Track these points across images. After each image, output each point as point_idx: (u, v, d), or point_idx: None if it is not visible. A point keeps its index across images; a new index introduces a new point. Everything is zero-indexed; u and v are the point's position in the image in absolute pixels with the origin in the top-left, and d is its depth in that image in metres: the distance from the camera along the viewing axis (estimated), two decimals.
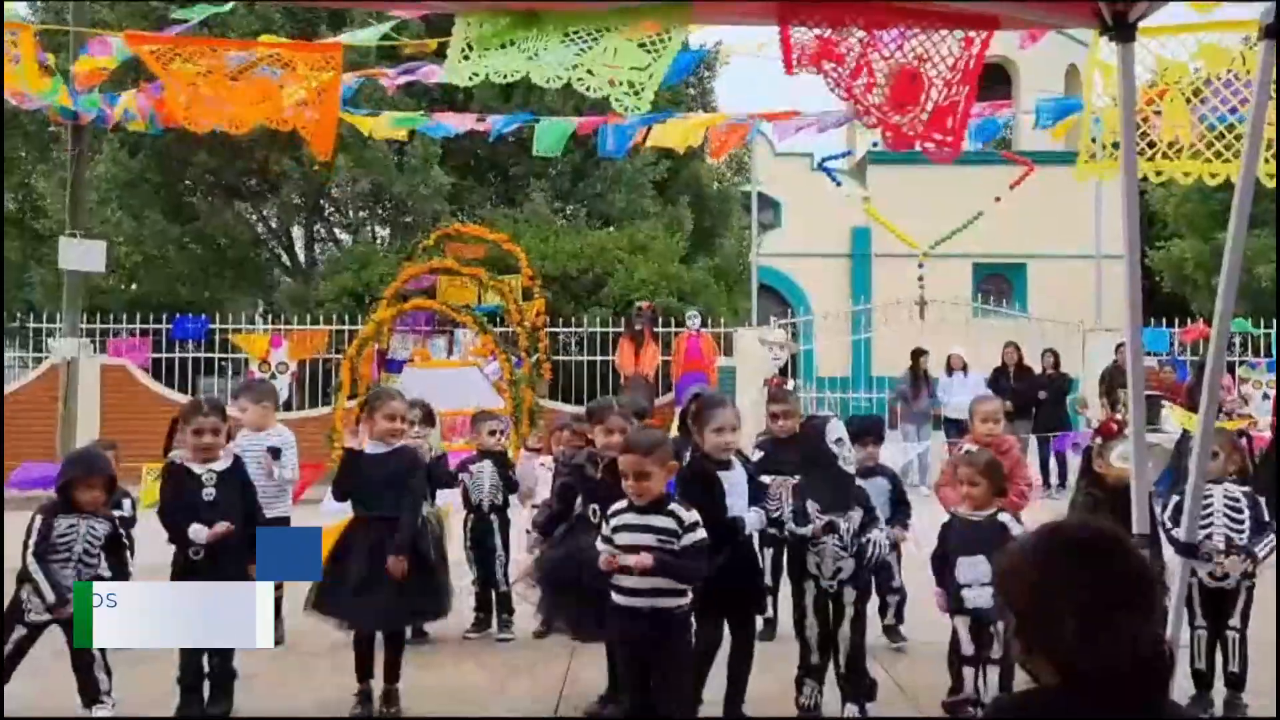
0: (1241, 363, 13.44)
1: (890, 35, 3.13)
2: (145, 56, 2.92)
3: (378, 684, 4.72)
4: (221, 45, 2.81)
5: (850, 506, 4.39)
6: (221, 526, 4.46)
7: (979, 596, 4.30)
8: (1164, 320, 14.96)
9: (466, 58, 2.66)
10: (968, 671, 4.39)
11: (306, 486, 8.18)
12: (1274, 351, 14.01)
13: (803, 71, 3.18)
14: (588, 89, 2.82)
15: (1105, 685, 1.58)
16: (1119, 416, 5.20)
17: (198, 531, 4.46)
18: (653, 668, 3.75)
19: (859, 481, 4.80)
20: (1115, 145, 2.73)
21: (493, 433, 6.33)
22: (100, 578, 4.47)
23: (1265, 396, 12.31)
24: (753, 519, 4.33)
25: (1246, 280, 18.83)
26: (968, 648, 4.38)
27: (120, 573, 5.32)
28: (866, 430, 5.48)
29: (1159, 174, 2.79)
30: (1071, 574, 1.65)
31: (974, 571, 4.33)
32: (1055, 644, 1.63)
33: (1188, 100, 2.93)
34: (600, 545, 3.84)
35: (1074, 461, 12.86)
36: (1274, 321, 14.48)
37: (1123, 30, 2.67)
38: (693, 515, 3.77)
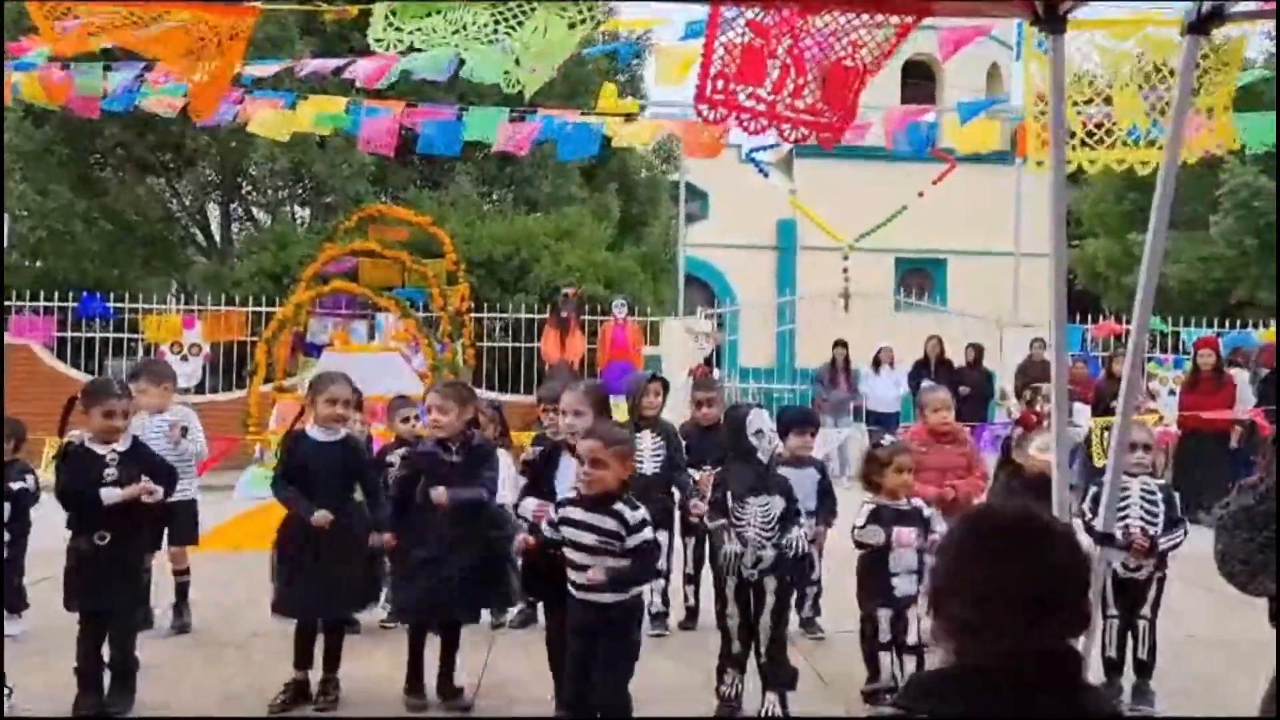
0: (1150, 359, 13.85)
1: (823, 23, 3.10)
2: (40, 21, 2.75)
3: (315, 673, 4.59)
4: (122, 2, 2.65)
5: (770, 492, 4.38)
6: (135, 488, 4.30)
7: (907, 585, 4.34)
8: (1077, 317, 15.34)
9: (391, 24, 2.55)
10: (885, 659, 4.42)
11: (217, 460, 7.96)
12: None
13: (713, 113, 3.15)
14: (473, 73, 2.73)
15: (1007, 672, 1.57)
16: (1039, 409, 5.31)
17: (109, 494, 4.29)
18: (597, 657, 3.75)
19: (790, 471, 4.83)
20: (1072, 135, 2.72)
21: (406, 420, 6.18)
22: None
23: (1171, 393, 12.70)
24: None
25: (1157, 280, 19.44)
26: (885, 635, 4.41)
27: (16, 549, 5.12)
28: (802, 420, 5.51)
29: (1121, 162, 2.76)
30: (970, 561, 1.66)
31: (903, 561, 4.36)
32: (951, 628, 1.64)
33: (1140, 86, 2.92)
34: (546, 529, 3.85)
35: (989, 454, 13.17)
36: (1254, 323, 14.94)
37: (1053, 22, 2.68)
38: (639, 515, 3.75)
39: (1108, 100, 2.66)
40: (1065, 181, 2.91)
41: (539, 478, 4.37)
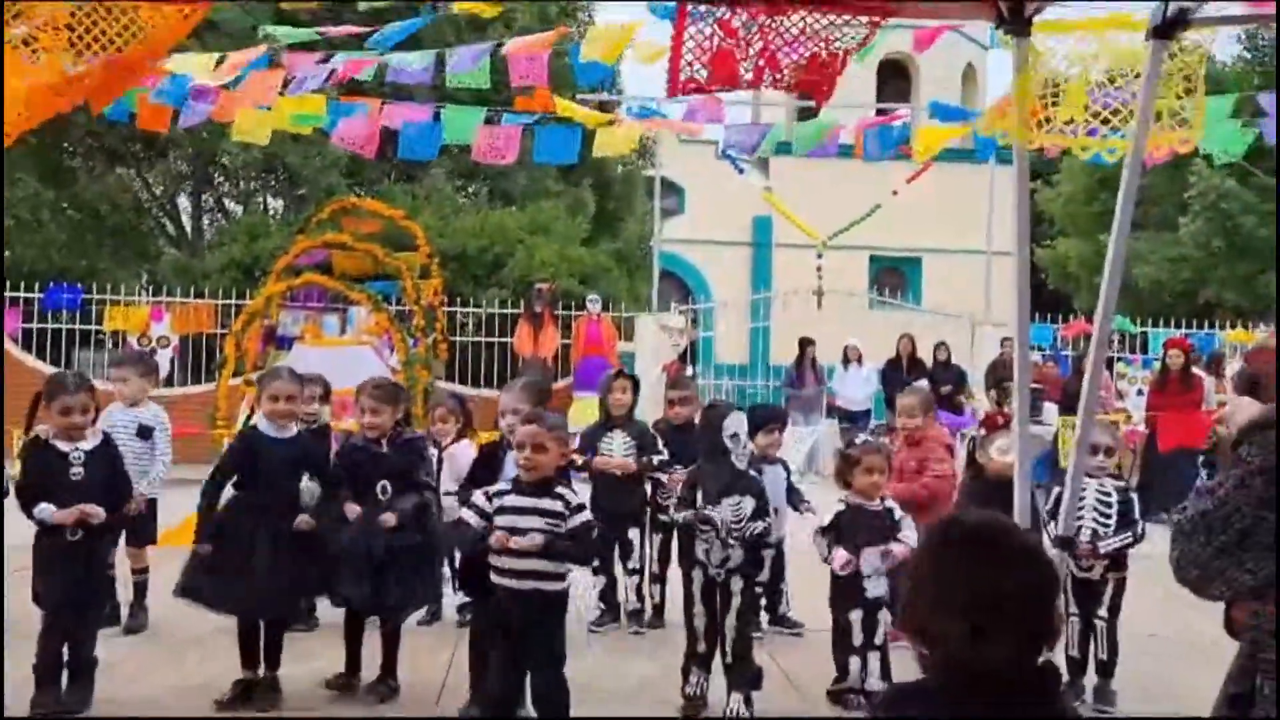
0: (1119, 359, 13.97)
1: (790, 24, 3.08)
2: None
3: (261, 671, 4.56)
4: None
5: (741, 493, 4.37)
6: (75, 511, 4.20)
7: (877, 586, 4.33)
8: (1048, 316, 15.44)
9: None
10: (854, 661, 4.43)
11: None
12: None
13: (686, 97, 3.15)
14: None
15: (984, 683, 1.57)
16: (1006, 410, 5.32)
17: (43, 510, 4.22)
18: (528, 650, 3.75)
19: (758, 470, 4.84)
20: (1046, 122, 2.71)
21: None
22: None
23: (1140, 392, 12.82)
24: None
25: (1126, 280, 19.64)
26: (859, 638, 4.41)
27: None
28: (771, 418, 5.52)
29: (1085, 149, 2.76)
30: (936, 570, 1.66)
31: (873, 562, 4.36)
32: (918, 636, 1.64)
33: (1088, 86, 2.93)
34: (472, 518, 3.80)
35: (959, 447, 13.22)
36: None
37: (1018, 24, 2.68)
38: (579, 497, 3.79)
39: (1056, 97, 2.66)
40: (1029, 179, 2.92)
41: (481, 476, 4.38)
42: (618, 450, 5.77)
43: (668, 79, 2.95)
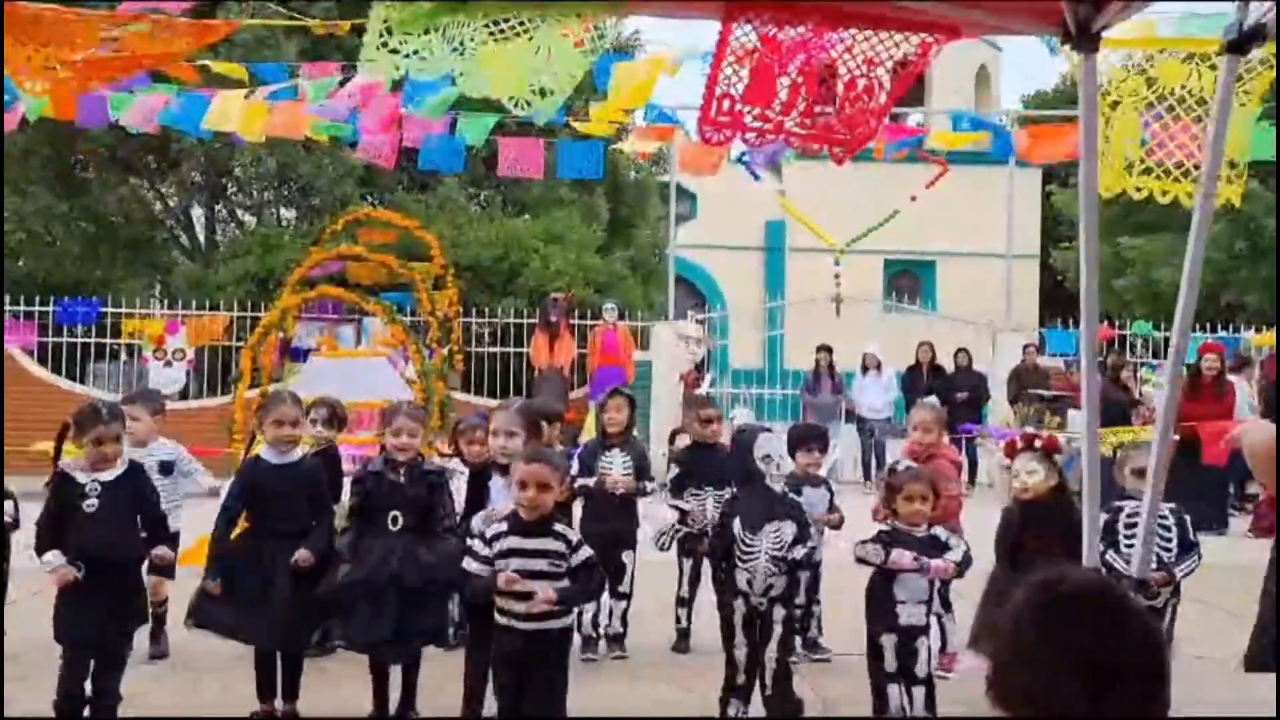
0: (1143, 364, 13.79)
1: (838, 37, 2.98)
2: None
3: (279, 704, 4.49)
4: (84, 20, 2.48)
5: (780, 518, 4.26)
6: (65, 573, 4.06)
7: (914, 614, 4.20)
8: (1070, 321, 15.26)
9: (385, 44, 2.39)
10: (893, 690, 4.29)
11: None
12: None
13: (718, 135, 3.08)
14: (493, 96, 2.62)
15: None
16: (1027, 429, 5.21)
17: (53, 558, 4.10)
18: (530, 685, 3.70)
19: (802, 490, 4.72)
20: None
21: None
22: None
23: None
24: None
25: (1148, 283, 19.44)
26: (891, 664, 4.28)
27: None
28: (809, 437, 5.41)
29: (1165, 193, 2.68)
30: (1039, 630, 1.57)
31: (910, 588, 4.22)
32: (1014, 698, 1.56)
33: (1139, 112, 2.83)
34: (475, 566, 3.75)
35: (982, 461, 13.05)
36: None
37: (1086, 40, 2.56)
38: (576, 533, 3.77)
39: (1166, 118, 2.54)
40: (1097, 196, 2.81)
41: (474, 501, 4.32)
42: (617, 471, 5.65)
43: (702, 104, 2.84)
